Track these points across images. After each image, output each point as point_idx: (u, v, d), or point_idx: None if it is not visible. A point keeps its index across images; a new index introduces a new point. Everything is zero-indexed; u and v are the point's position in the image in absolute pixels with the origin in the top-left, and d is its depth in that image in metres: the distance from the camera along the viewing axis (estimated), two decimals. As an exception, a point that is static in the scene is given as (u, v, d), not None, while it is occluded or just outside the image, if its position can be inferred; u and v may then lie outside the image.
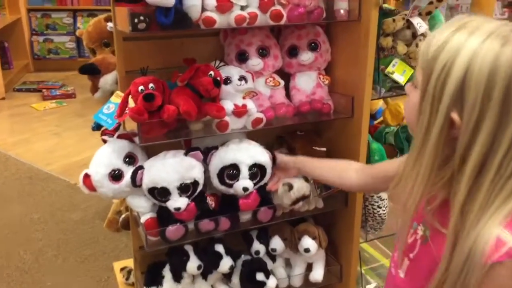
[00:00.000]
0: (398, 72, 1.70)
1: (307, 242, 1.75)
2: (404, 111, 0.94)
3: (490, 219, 0.79)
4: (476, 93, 0.77)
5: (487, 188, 0.80)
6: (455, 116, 0.81)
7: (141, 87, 1.40)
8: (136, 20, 1.30)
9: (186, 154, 1.51)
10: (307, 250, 1.74)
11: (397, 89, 1.75)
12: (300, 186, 1.63)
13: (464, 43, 0.79)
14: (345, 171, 1.44)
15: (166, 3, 1.30)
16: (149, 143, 1.47)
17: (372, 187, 1.45)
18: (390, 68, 1.70)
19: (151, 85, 1.41)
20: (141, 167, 1.48)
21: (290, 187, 1.62)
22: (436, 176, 0.86)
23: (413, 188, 0.88)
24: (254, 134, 1.66)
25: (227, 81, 1.54)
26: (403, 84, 1.71)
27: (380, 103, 2.08)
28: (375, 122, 2.12)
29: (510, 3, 4.76)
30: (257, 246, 1.76)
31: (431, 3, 1.68)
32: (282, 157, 1.62)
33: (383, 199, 1.94)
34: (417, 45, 1.69)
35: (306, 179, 1.69)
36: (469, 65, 0.78)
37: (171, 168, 1.46)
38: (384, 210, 1.94)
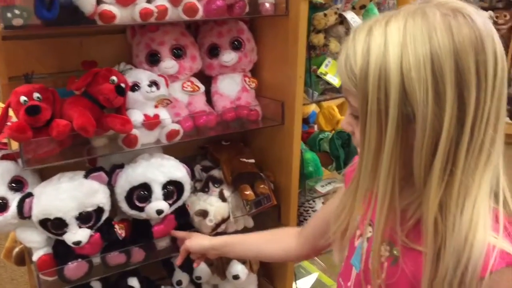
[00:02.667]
0: (332, 73, 1.53)
1: (236, 268, 1.56)
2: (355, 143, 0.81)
3: (474, 225, 0.69)
4: (424, 84, 0.66)
5: (457, 191, 0.70)
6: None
7: (23, 98, 1.14)
8: (9, 15, 1.05)
9: (86, 176, 1.26)
10: (236, 277, 1.55)
11: (331, 91, 1.58)
12: (217, 211, 1.45)
13: (386, 39, 0.69)
14: (283, 239, 1.21)
15: (48, -6, 1.05)
16: (37, 166, 1.21)
17: (323, 242, 1.06)
18: (322, 69, 1.52)
19: (36, 94, 1.16)
20: (29, 194, 1.22)
21: (205, 214, 1.42)
22: (401, 196, 0.75)
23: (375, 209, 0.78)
24: (172, 147, 1.44)
25: (134, 87, 1.31)
26: (338, 86, 1.54)
27: (312, 107, 1.91)
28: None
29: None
30: (180, 275, 1.56)
31: (365, -5, 1.52)
32: (199, 243, 1.27)
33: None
34: (351, 43, 1.52)
35: (223, 199, 1.48)
36: (402, 59, 0.67)
37: (67, 195, 1.22)
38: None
